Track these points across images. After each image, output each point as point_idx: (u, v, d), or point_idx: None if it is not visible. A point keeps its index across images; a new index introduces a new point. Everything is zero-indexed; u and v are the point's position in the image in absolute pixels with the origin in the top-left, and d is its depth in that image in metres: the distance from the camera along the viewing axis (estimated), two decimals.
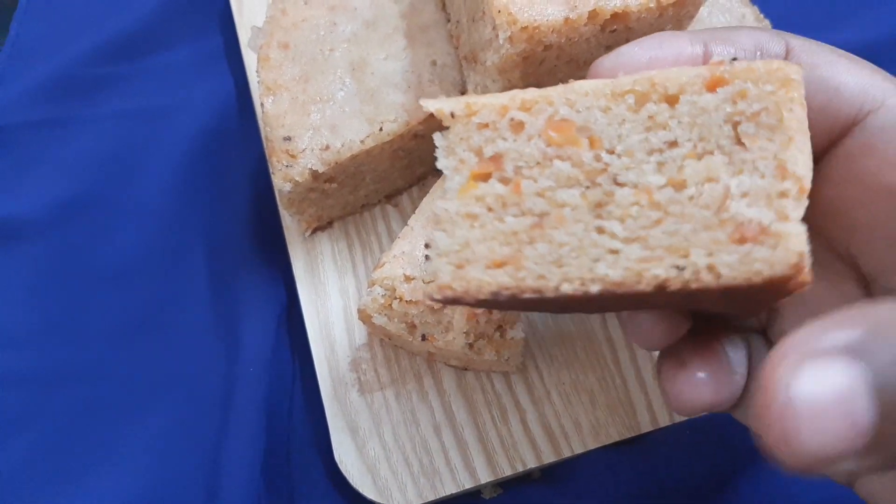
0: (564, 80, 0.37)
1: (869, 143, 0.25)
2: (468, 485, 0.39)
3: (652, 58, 0.26)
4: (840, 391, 0.17)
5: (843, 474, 0.19)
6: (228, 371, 0.43)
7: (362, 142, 0.39)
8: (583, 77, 0.38)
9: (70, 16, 0.58)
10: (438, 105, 0.25)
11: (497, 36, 0.33)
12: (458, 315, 0.36)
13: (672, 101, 0.24)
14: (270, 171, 0.40)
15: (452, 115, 0.25)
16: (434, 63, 0.41)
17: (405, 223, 0.39)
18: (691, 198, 0.24)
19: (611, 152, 0.24)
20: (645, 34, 0.35)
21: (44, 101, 0.53)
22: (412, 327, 0.37)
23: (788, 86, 0.23)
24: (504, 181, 0.25)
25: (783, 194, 0.23)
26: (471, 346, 0.36)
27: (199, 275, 0.47)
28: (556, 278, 0.24)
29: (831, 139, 0.26)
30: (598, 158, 0.25)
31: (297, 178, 0.38)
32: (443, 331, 0.36)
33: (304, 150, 0.38)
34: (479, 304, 0.26)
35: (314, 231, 0.45)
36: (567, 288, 0.24)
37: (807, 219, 0.22)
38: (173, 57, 0.55)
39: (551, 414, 0.41)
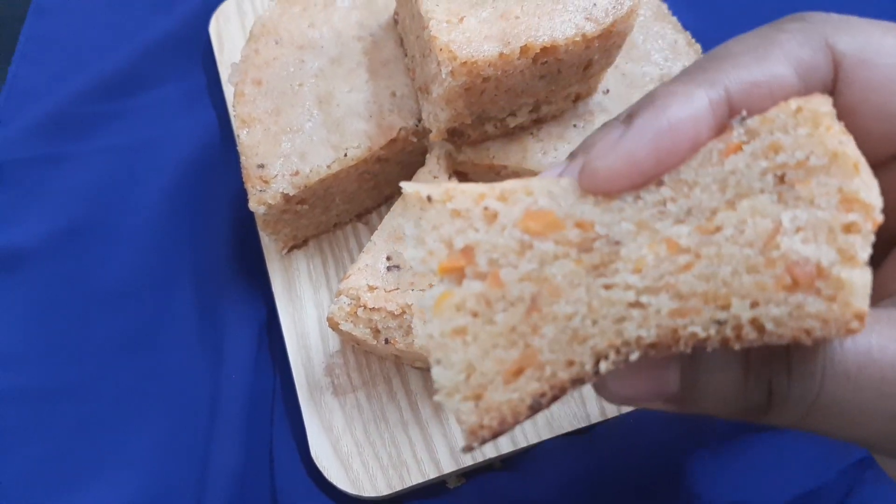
0: (505, 107, 0.42)
1: None
2: (433, 475, 0.42)
3: (659, 151, 0.21)
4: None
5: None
6: (214, 381, 0.46)
7: (329, 167, 0.43)
8: (524, 104, 0.42)
9: (63, 58, 0.62)
10: (417, 189, 0.22)
11: (440, 70, 0.37)
12: (418, 319, 0.40)
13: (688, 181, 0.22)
14: (248, 195, 0.44)
15: (429, 199, 0.22)
16: (394, 94, 0.46)
17: None
18: (730, 238, 0.20)
19: (604, 224, 0.22)
20: (574, 65, 0.40)
21: (39, 138, 0.57)
22: (376, 332, 0.40)
23: (823, 121, 0.20)
24: (480, 276, 0.22)
25: (849, 228, 0.19)
26: None
27: (185, 294, 0.50)
28: (587, 357, 0.21)
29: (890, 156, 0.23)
30: (588, 231, 0.22)
31: (269, 202, 0.42)
32: (404, 334, 0.40)
33: (275, 176, 0.43)
34: (522, 419, 0.22)
35: (291, 249, 0.49)
36: (606, 367, 0.21)
37: None
38: (160, 94, 0.59)
39: None
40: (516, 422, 0.21)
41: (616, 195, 0.22)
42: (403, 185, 0.23)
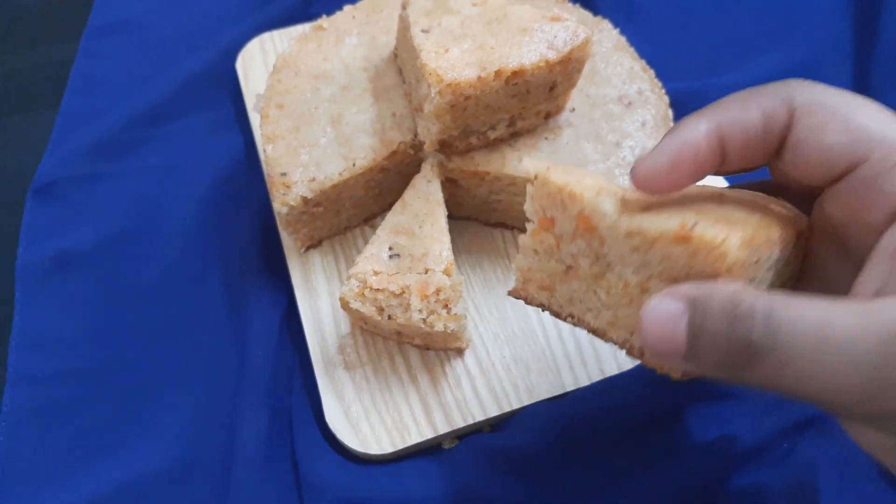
0: (485, 122, 0.50)
1: (856, 190, 0.29)
2: (429, 435, 0.49)
3: (675, 156, 0.31)
4: (669, 315, 0.28)
5: (679, 371, 0.31)
6: (241, 360, 0.53)
7: (340, 174, 0.51)
8: (501, 119, 0.51)
9: (108, 92, 0.70)
10: (529, 164, 0.35)
11: (430, 91, 0.45)
12: (415, 297, 0.47)
13: (650, 244, 0.31)
14: (271, 199, 0.52)
15: (535, 177, 0.34)
16: (394, 114, 0.54)
17: None
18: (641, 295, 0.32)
19: (608, 248, 0.33)
20: (540, 86, 0.48)
21: (88, 159, 0.64)
22: (380, 309, 0.48)
23: (724, 259, 0.28)
24: (555, 237, 0.35)
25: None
26: (424, 321, 0.47)
27: (217, 288, 0.57)
28: (566, 310, 0.37)
29: (832, 180, 0.30)
30: (600, 246, 0.33)
31: (291, 203, 0.51)
32: (403, 311, 0.47)
33: (296, 182, 0.51)
34: (535, 305, 0.39)
35: (308, 248, 0.57)
36: (570, 321, 0.37)
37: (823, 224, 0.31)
38: (193, 121, 0.67)
39: (495, 379, 0.51)
40: (532, 301, 0.39)
41: (655, 192, 0.32)
42: (525, 161, 0.35)
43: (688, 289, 0.28)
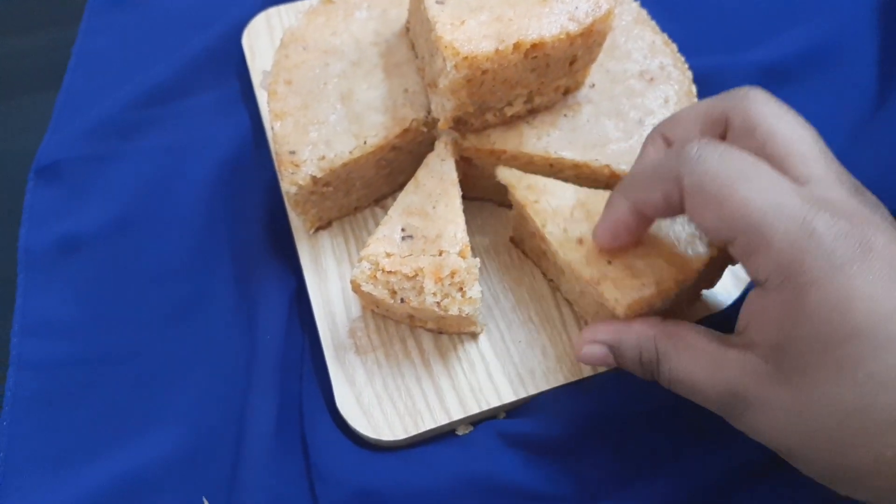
0: (502, 98, 0.48)
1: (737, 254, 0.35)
2: (443, 421, 0.47)
3: (612, 229, 0.41)
4: (599, 356, 0.43)
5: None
6: (250, 344, 0.52)
7: (350, 152, 0.50)
8: (519, 95, 0.49)
9: (111, 71, 0.69)
10: (502, 175, 0.49)
11: (446, 65, 0.43)
12: (428, 280, 0.46)
13: (576, 278, 0.44)
14: (279, 178, 0.50)
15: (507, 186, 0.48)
16: (406, 90, 0.52)
17: None
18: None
19: (558, 263, 0.46)
20: (560, 60, 0.46)
21: (93, 140, 0.63)
22: (393, 292, 0.46)
23: (616, 314, 0.42)
24: (530, 226, 0.47)
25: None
26: (438, 304, 0.45)
27: (225, 271, 0.56)
28: (548, 276, 0.50)
29: None
30: (554, 257, 0.46)
31: (300, 182, 0.49)
32: (416, 294, 0.46)
33: (305, 160, 0.49)
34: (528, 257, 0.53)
35: (317, 230, 0.56)
36: (551, 285, 0.51)
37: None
38: (199, 100, 0.65)
39: (510, 364, 0.50)
40: (525, 254, 0.53)
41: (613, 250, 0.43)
42: (499, 170, 0.50)
43: (604, 335, 0.42)
